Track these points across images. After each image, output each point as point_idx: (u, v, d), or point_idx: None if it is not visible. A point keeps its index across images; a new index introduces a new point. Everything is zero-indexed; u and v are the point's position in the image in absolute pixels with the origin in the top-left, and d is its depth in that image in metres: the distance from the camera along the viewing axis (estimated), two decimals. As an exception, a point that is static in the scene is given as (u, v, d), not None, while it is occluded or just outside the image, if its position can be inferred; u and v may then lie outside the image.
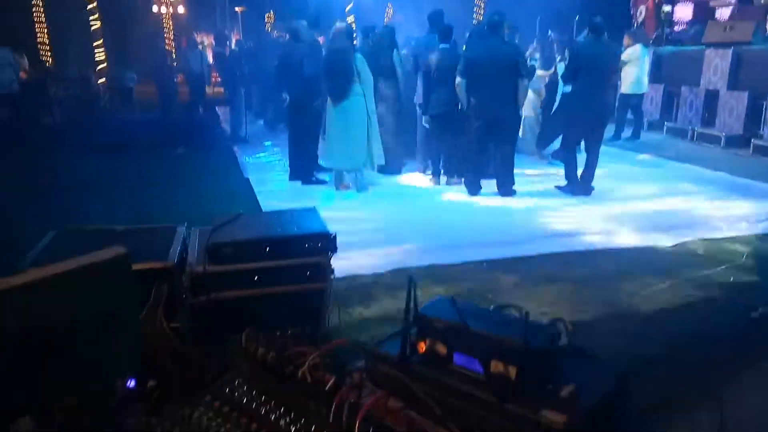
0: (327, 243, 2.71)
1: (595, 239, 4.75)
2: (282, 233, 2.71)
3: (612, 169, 7.02)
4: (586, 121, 5.79)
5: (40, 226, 3.11)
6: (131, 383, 2.75)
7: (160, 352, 2.68)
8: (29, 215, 5.09)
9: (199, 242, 2.77)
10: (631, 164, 7.73)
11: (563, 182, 6.13)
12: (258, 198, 5.83)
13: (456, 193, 6.13)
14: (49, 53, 15.84)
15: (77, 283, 1.66)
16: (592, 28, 5.81)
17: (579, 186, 5.98)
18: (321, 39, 7.21)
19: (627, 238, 4.77)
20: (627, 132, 9.30)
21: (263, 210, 5.27)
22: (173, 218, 3.05)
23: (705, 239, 4.77)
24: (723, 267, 4.19)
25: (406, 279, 1.37)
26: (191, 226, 3.07)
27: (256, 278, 2.66)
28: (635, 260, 4.34)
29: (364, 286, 3.81)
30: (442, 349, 1.31)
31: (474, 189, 6.03)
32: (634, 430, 1.27)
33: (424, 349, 1.33)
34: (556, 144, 7.06)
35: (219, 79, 13.91)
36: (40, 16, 15.84)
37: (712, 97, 9.15)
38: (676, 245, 4.64)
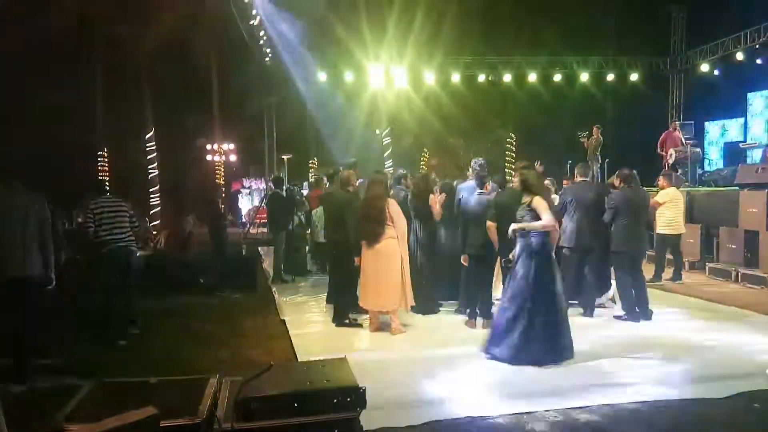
0: (356, 398, 2.68)
1: (648, 390, 4.48)
2: (311, 388, 2.71)
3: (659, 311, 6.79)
4: (633, 255, 6.62)
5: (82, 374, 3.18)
6: None
7: None
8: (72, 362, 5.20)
9: (229, 395, 2.79)
10: (675, 306, 7.48)
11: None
12: (293, 341, 5.85)
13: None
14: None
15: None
16: (623, 179, 6.77)
17: (638, 313, 6.52)
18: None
19: (678, 389, 4.50)
20: (667, 273, 9.14)
21: (297, 354, 5.32)
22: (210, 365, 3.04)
23: (762, 389, 4.47)
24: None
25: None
26: (224, 375, 3.10)
27: (283, 435, 2.63)
28: (688, 413, 4.07)
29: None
30: None
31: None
32: None
33: None
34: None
35: (263, 220, 14.71)
36: (104, 165, 17.22)
37: (752, 237, 9.02)
38: (729, 397, 4.35)
